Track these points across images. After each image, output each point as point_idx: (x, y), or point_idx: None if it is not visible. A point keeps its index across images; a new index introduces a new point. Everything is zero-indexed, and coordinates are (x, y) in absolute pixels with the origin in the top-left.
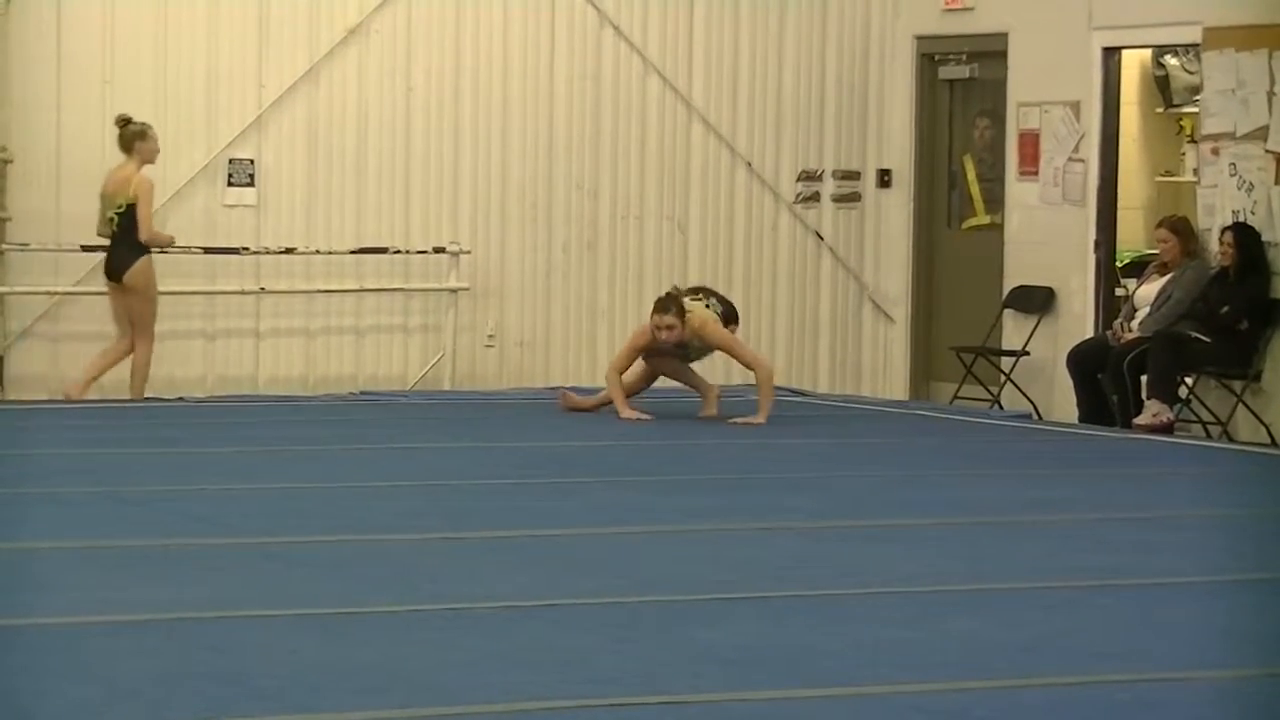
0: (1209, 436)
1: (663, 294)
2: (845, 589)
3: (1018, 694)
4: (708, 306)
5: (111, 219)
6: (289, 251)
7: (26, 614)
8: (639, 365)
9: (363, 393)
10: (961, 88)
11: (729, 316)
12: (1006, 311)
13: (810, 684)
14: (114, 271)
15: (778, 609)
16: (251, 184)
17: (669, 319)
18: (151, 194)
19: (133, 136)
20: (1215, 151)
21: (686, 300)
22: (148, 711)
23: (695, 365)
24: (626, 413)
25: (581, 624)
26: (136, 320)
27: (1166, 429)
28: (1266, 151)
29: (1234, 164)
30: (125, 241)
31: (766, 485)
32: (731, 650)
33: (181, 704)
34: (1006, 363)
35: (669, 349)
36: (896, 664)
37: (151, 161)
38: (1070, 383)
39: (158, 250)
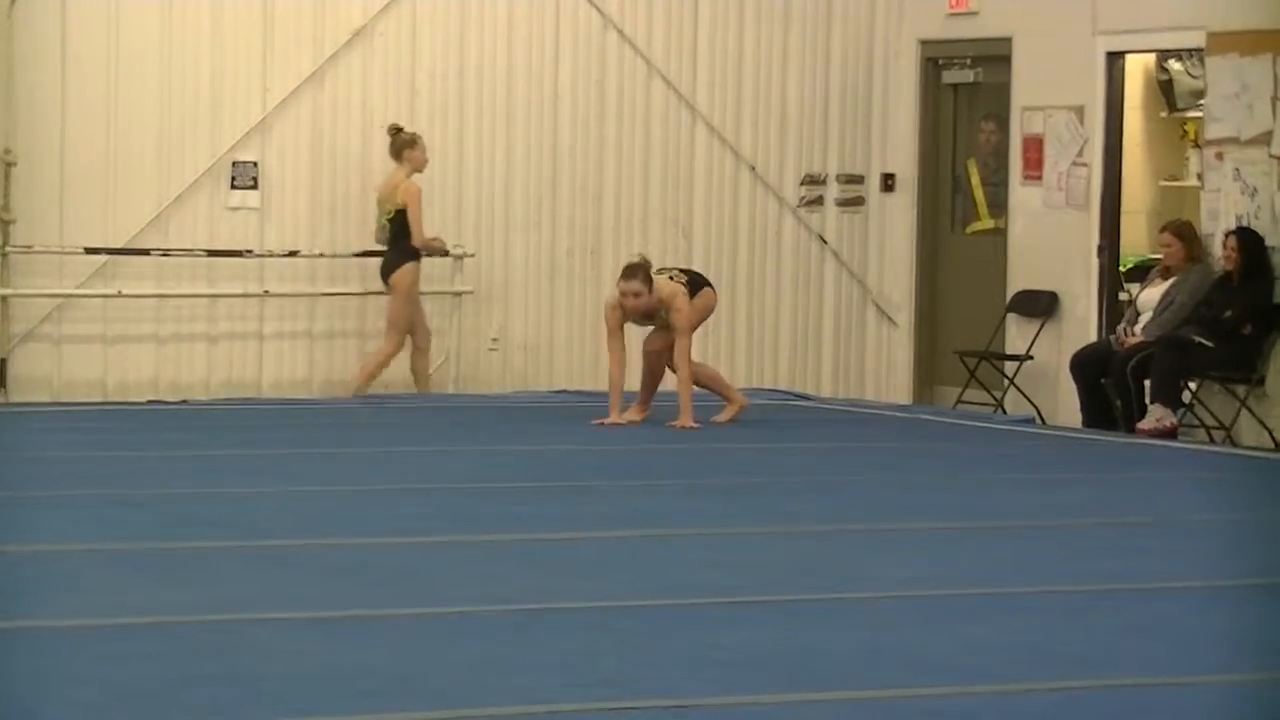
0: (1212, 441)
1: (629, 262)
2: (850, 593)
3: (1023, 699)
4: (671, 279)
5: (384, 224)
6: (293, 254)
7: (30, 617)
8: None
9: (366, 396)
10: (965, 92)
11: (696, 283)
12: (1010, 316)
13: (816, 688)
14: (384, 274)
15: (784, 613)
16: (255, 187)
17: (635, 285)
18: (419, 200)
19: (402, 145)
20: (1219, 156)
21: (655, 274)
22: (151, 715)
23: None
24: (614, 417)
25: (586, 628)
26: (390, 318)
27: (1170, 434)
28: (1270, 156)
29: (1238, 169)
30: (396, 246)
31: (771, 489)
32: (738, 654)
33: (185, 707)
34: (1010, 367)
35: (639, 319)
36: (902, 668)
37: (420, 169)
38: (1074, 387)
39: (436, 254)
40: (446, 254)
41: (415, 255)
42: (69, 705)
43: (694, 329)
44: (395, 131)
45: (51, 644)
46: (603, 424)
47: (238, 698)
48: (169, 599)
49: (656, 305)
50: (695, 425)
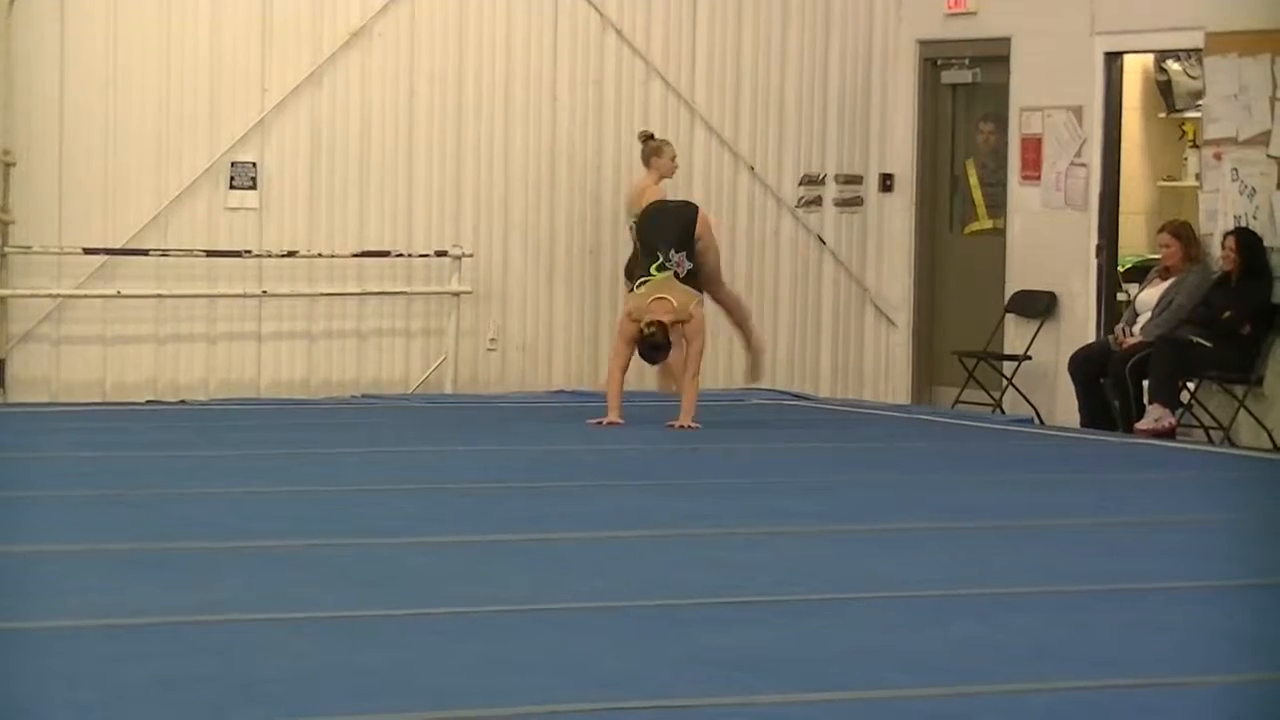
0: (1211, 441)
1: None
2: (848, 593)
3: (1021, 699)
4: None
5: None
6: (291, 255)
7: (28, 618)
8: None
9: (364, 396)
10: (964, 92)
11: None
12: (1008, 316)
13: (813, 688)
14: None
15: (781, 613)
16: (254, 187)
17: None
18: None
19: (650, 152)
20: (1218, 156)
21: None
22: (148, 715)
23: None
24: (613, 416)
25: (583, 628)
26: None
27: (1168, 434)
28: (1269, 156)
29: (1236, 169)
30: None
31: (768, 489)
32: (735, 654)
33: (183, 708)
34: (1009, 367)
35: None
36: (900, 669)
37: (668, 175)
38: (1072, 387)
39: None
40: None
41: None
42: (67, 706)
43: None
44: (645, 139)
45: (49, 644)
46: (600, 424)
47: (235, 699)
48: (166, 599)
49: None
50: (695, 426)
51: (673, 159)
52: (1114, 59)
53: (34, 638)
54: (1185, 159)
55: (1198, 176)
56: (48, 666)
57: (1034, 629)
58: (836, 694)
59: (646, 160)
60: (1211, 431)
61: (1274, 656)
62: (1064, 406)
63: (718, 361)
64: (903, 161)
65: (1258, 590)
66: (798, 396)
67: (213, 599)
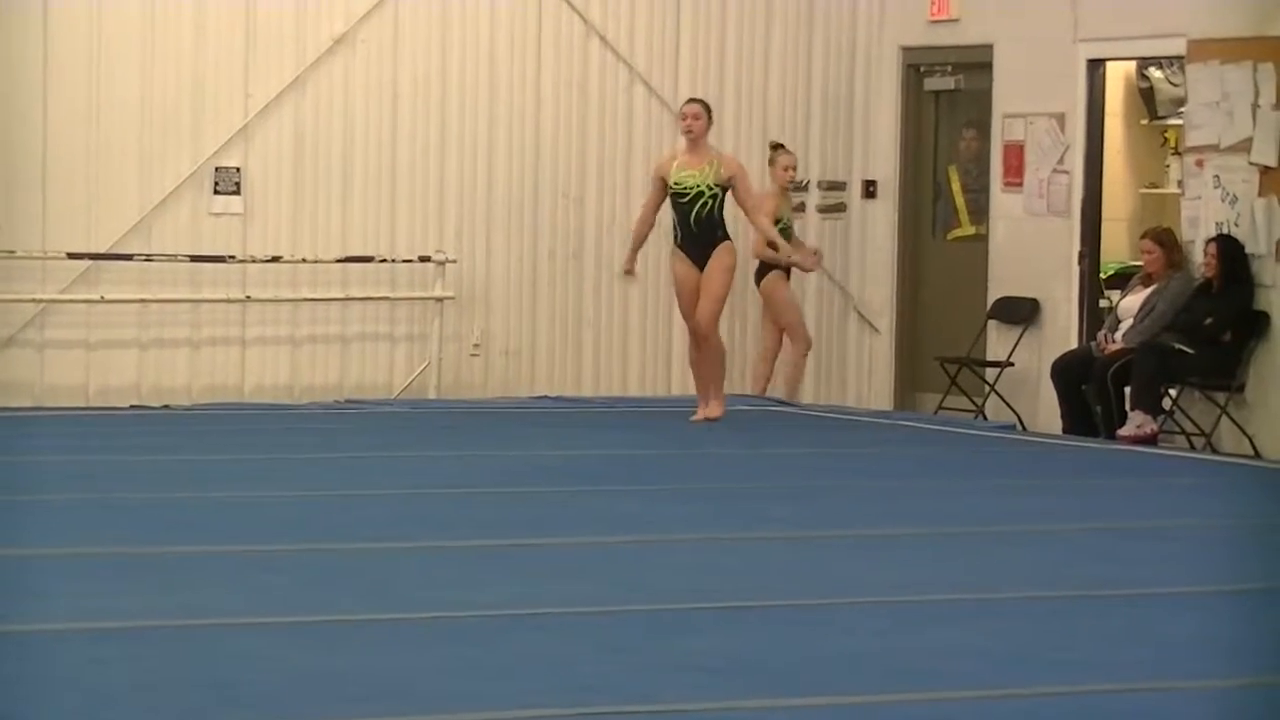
0: (1193, 448)
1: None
2: (831, 598)
3: (1005, 704)
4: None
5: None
6: (275, 260)
7: (12, 621)
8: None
9: (348, 401)
10: (947, 99)
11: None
12: (991, 322)
13: (796, 693)
14: (757, 280)
15: (765, 618)
16: (238, 192)
17: (696, 107)
18: (769, 211)
19: (770, 161)
20: (1199, 164)
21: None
22: (131, 719)
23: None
24: (630, 264)
25: (567, 632)
26: (784, 326)
27: (1150, 440)
28: (1250, 164)
29: (1218, 176)
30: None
31: (752, 495)
32: (718, 659)
33: (166, 711)
34: (991, 373)
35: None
36: (885, 673)
37: (779, 183)
38: (1054, 394)
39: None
40: (790, 257)
41: (774, 264)
42: (51, 709)
43: (762, 210)
44: (772, 147)
45: (34, 648)
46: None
47: (218, 701)
48: (150, 603)
49: (714, 158)
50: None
51: (785, 168)
52: (1096, 66)
53: (18, 641)
54: (1167, 166)
55: (1180, 183)
56: (32, 670)
57: (1017, 634)
58: (820, 699)
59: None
60: (1193, 438)
61: (1256, 661)
62: (1046, 413)
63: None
64: (885, 168)
65: (1239, 596)
66: (780, 403)
67: (196, 603)
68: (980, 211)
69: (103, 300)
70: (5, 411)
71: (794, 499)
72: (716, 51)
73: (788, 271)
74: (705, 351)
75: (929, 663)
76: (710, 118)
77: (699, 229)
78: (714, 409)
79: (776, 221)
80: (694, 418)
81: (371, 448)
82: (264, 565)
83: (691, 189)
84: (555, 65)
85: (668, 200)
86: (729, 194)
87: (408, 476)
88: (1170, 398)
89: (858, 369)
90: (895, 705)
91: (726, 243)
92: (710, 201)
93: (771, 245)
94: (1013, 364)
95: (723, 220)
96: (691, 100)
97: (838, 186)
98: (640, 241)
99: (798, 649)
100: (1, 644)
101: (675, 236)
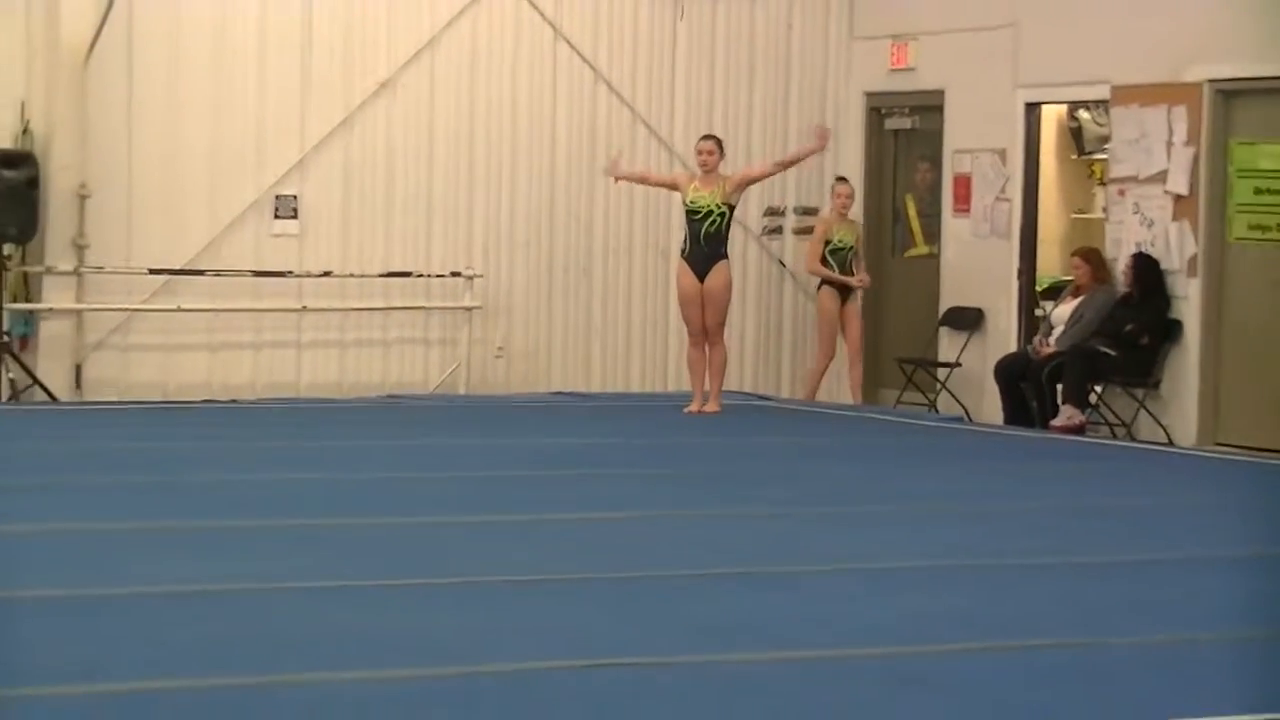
0: (1115, 437)
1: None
2: (809, 566)
3: (961, 657)
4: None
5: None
6: (326, 275)
7: (99, 586)
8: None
9: (389, 396)
10: (905, 136)
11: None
12: (942, 328)
13: (781, 648)
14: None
15: (751, 584)
16: (295, 216)
17: (710, 144)
18: (819, 233)
19: (831, 190)
20: (1121, 193)
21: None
22: (203, 669)
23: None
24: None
25: (577, 596)
26: (819, 334)
27: (1079, 430)
28: (1165, 192)
29: (1137, 203)
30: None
31: (740, 478)
32: (712, 619)
33: (230, 663)
34: (942, 373)
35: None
36: (854, 631)
37: (839, 211)
38: (996, 390)
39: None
40: (833, 279)
41: (823, 280)
42: (133, 661)
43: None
44: (836, 179)
45: (118, 609)
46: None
47: (274, 654)
48: (217, 570)
49: (722, 181)
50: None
51: (838, 196)
52: (1033, 109)
53: (104, 604)
54: (1094, 195)
55: (1104, 209)
56: (116, 628)
57: (971, 597)
58: (798, 653)
59: None
60: (1116, 428)
61: (1177, 619)
62: (989, 407)
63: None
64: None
65: (1159, 565)
66: (762, 398)
67: (258, 570)
68: (933, 233)
69: (179, 310)
70: (95, 405)
71: (774, 480)
72: (707, 96)
73: (843, 290)
74: (713, 356)
75: (894, 622)
76: (722, 152)
77: (706, 243)
78: (712, 405)
79: (828, 243)
80: (687, 409)
81: (409, 436)
82: (313, 537)
83: (704, 208)
84: (568, 108)
85: (683, 214)
86: (735, 211)
87: (440, 461)
88: (1096, 393)
89: (829, 369)
90: (865, 660)
91: (724, 261)
92: (719, 220)
93: (781, 164)
94: (960, 364)
95: (727, 236)
96: (707, 137)
97: (811, 211)
98: (637, 179)
99: (779, 610)
100: (87, 605)
101: (684, 250)
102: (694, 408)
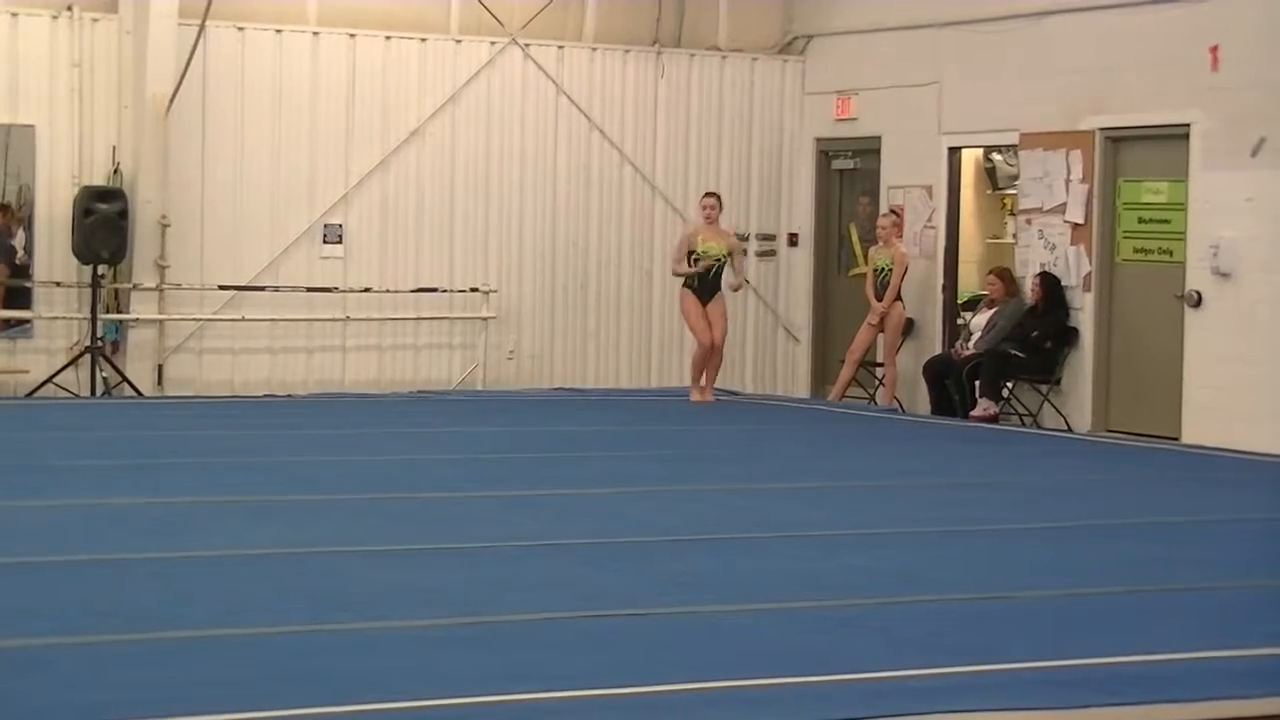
0: (1023, 425)
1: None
2: (766, 533)
3: (895, 608)
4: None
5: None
6: (367, 290)
7: (182, 549)
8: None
9: (419, 392)
10: (848, 175)
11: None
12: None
13: (745, 600)
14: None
15: (719, 547)
16: (340, 242)
17: (712, 200)
18: (900, 262)
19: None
20: (1029, 221)
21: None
22: (269, 618)
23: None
24: (688, 269)
25: (574, 558)
26: (887, 347)
27: (994, 419)
28: (1065, 221)
29: (1041, 230)
30: (883, 291)
31: (708, 458)
32: (686, 576)
33: (293, 613)
34: (880, 371)
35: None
36: (804, 587)
37: (881, 239)
38: (925, 386)
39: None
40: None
41: (897, 298)
42: (210, 612)
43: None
44: (891, 213)
45: (197, 569)
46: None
47: (329, 607)
48: (280, 536)
49: (725, 234)
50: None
51: (893, 223)
52: (955, 152)
53: (186, 564)
54: (1005, 223)
55: (1014, 235)
56: (196, 585)
57: (903, 559)
58: (758, 605)
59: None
60: (1024, 418)
61: (1077, 578)
62: (919, 400)
63: (681, 366)
64: (805, 224)
65: (1062, 530)
66: (728, 392)
67: (309, 537)
68: None
69: (244, 319)
70: (175, 399)
71: (740, 461)
72: (682, 141)
73: (701, 292)
74: (715, 359)
75: (837, 579)
76: (721, 205)
77: (711, 280)
78: (707, 394)
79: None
80: (695, 399)
81: (435, 425)
82: (361, 510)
83: (714, 255)
84: (567, 151)
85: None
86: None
87: (461, 445)
88: (1008, 389)
89: (785, 368)
90: (813, 610)
91: (721, 292)
92: (721, 265)
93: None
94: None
95: (722, 274)
96: (710, 194)
97: (770, 237)
98: (683, 270)
99: (741, 569)
100: (174, 567)
101: (691, 283)
102: (698, 398)
